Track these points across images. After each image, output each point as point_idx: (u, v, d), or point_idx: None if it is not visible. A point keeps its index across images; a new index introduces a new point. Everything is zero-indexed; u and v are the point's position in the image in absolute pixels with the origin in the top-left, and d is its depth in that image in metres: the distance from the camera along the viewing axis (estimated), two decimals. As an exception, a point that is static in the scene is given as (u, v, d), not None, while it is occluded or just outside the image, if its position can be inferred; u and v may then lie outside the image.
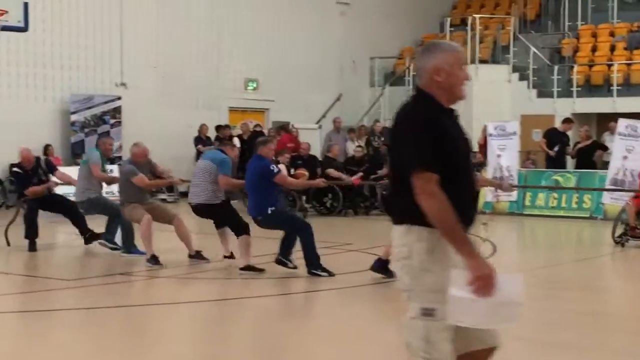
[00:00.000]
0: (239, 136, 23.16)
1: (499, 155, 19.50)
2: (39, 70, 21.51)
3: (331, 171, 19.50)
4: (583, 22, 28.26)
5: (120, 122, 22.60)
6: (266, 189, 10.80)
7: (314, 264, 10.79)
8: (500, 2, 31.08)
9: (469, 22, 26.96)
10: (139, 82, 23.28)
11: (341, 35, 28.39)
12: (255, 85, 26.24)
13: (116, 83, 23.02)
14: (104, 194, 13.37)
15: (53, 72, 21.73)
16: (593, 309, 9.47)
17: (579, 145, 20.32)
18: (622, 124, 18.41)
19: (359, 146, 21.26)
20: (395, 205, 4.48)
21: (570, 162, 21.33)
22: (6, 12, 15.28)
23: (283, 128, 23.05)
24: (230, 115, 25.42)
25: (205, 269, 11.50)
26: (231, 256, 11.77)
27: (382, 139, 21.95)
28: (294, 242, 11.03)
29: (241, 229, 11.21)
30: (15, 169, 13.82)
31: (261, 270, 11.09)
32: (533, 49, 26.18)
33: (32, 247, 13.03)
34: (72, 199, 13.29)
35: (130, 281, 10.91)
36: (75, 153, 21.53)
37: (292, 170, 19.73)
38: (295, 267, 11.02)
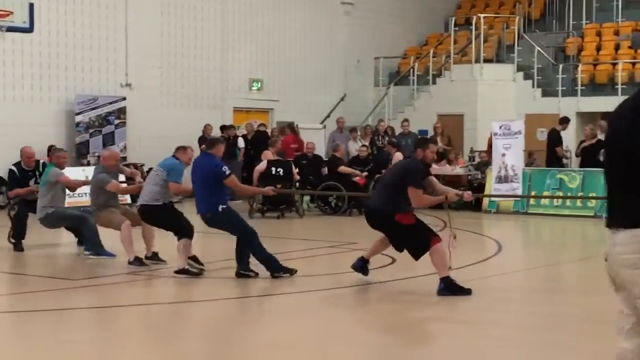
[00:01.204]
0: (244, 136, 23.19)
1: (503, 155, 19.49)
2: (44, 71, 21.52)
3: (342, 168, 19.51)
4: (588, 21, 28.26)
5: (125, 122, 22.62)
6: (217, 187, 10.72)
7: (274, 267, 10.70)
8: (505, 2, 31.07)
9: (474, 21, 26.97)
10: (143, 83, 23.29)
11: (346, 35, 28.41)
12: (259, 85, 26.26)
13: (121, 83, 23.03)
14: (65, 205, 13.15)
15: (58, 72, 21.74)
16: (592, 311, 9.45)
17: (584, 144, 20.28)
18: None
19: (364, 145, 21.27)
20: (625, 207, 4.21)
21: (574, 161, 21.32)
22: (11, 13, 15.31)
23: (289, 127, 23.06)
24: (234, 115, 25.44)
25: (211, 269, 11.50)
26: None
27: (387, 138, 21.93)
28: (246, 250, 10.80)
29: (182, 232, 11.13)
30: (12, 168, 13.75)
31: (198, 274, 10.97)
32: (537, 48, 26.17)
33: (19, 248, 13.07)
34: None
35: (135, 281, 10.92)
36: (80, 154, 21.58)
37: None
38: (257, 274, 10.82)
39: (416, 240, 9.82)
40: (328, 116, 27.04)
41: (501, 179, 19.32)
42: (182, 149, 12.08)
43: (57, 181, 12.63)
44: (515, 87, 26.01)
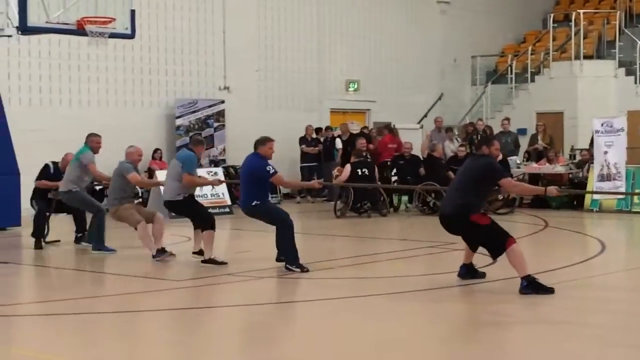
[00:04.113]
0: (340, 137, 23.26)
1: (605, 152, 19.11)
2: (145, 76, 21.97)
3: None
4: (693, 14, 27.54)
5: (224, 125, 22.91)
6: (258, 185, 11.34)
7: (289, 260, 11.16)
8: (605, -4, 30.47)
9: (573, 17, 26.51)
10: (241, 86, 23.58)
11: (442, 34, 28.24)
12: (356, 86, 26.30)
13: (220, 87, 23.35)
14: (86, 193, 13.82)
15: (158, 77, 22.17)
16: None
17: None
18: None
19: (462, 145, 21.08)
20: None
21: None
22: (114, 19, 15.62)
23: (387, 128, 23.03)
24: (331, 117, 25.52)
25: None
26: (199, 253, 12.18)
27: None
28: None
29: (205, 224, 11.95)
30: (48, 163, 14.45)
31: (223, 263, 11.66)
32: (640, 43, 25.61)
33: (38, 245, 13.86)
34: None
35: (233, 282, 11.04)
36: (181, 156, 21.90)
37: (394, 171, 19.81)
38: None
39: (493, 240, 9.78)
40: (425, 116, 26.93)
41: (603, 177, 18.94)
42: (200, 143, 12.68)
43: (85, 165, 13.20)
44: (616, 84, 25.49)
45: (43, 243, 14.03)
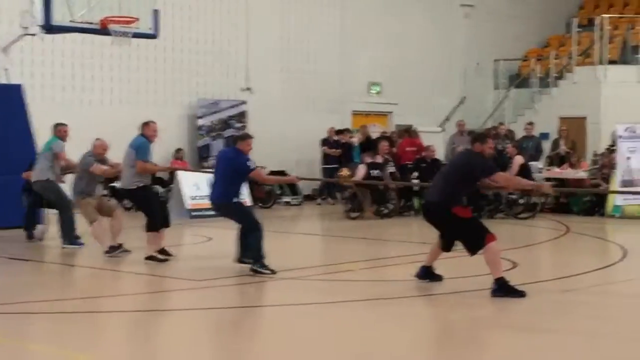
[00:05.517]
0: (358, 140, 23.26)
1: (628, 158, 19.00)
2: (167, 76, 22.04)
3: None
4: None
5: (245, 126, 22.92)
6: (236, 180, 11.38)
7: (258, 262, 11.11)
8: (630, 1, 30.28)
9: (597, 22, 26.37)
10: (264, 87, 23.60)
11: (465, 37, 28.17)
12: (378, 88, 26.28)
13: (242, 88, 23.39)
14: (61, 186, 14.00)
15: (181, 77, 22.24)
16: None
17: None
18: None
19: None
20: None
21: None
22: (137, 19, 15.72)
23: (406, 131, 22.99)
24: (353, 119, 25.50)
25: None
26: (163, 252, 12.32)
27: (507, 141, 21.59)
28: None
29: (150, 223, 12.08)
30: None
31: (163, 261, 11.99)
32: (665, 48, 25.44)
33: (30, 236, 14.40)
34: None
35: (253, 282, 11.05)
36: (202, 157, 21.97)
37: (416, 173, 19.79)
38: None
39: (472, 234, 9.76)
40: (447, 119, 26.87)
41: (626, 183, 18.84)
42: (145, 124, 12.75)
43: (56, 153, 13.46)
44: (640, 89, 25.33)
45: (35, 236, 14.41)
